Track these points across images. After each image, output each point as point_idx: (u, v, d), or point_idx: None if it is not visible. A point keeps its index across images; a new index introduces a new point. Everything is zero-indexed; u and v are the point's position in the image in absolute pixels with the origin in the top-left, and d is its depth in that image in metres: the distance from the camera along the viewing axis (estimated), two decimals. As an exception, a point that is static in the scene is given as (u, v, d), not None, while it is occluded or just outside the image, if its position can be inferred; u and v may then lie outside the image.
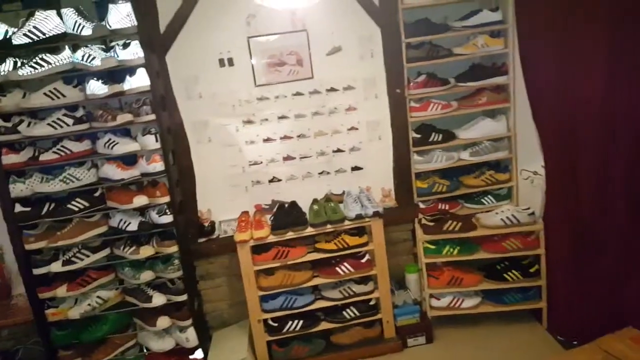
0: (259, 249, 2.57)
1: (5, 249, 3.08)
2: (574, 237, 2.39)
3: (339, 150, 2.93)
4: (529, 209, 2.70)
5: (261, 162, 2.87)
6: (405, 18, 2.71)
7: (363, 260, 2.67)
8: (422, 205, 2.97)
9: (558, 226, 2.54)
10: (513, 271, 2.74)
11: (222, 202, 2.86)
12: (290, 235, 2.57)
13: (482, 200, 2.98)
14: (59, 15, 2.31)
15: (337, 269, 2.65)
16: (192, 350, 2.68)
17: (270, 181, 2.91)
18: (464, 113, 2.88)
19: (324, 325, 2.70)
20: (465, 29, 2.74)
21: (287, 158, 2.89)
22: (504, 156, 2.90)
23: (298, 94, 2.81)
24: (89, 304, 2.52)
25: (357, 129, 2.91)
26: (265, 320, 2.65)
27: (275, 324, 2.65)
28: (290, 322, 2.65)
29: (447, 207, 2.97)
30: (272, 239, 2.56)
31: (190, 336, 2.60)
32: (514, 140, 2.86)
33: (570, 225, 2.41)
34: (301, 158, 2.91)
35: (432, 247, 2.80)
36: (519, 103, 2.74)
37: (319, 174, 2.95)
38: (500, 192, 2.98)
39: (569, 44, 2.10)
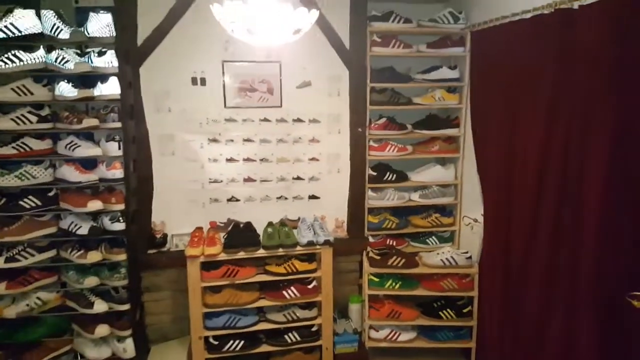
0: (208, 266, 2.61)
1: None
2: (504, 283, 2.57)
3: (298, 178, 3.05)
4: (467, 252, 2.90)
5: (222, 181, 2.95)
6: (372, 64, 2.93)
7: (310, 287, 2.76)
8: (371, 239, 3.12)
9: (491, 271, 2.73)
10: (448, 310, 2.91)
11: (177, 215, 2.90)
12: (241, 254, 2.64)
13: (427, 240, 3.18)
14: (38, 15, 2.35)
15: (284, 292, 2.72)
16: (128, 362, 2.64)
17: (229, 200, 2.98)
18: (418, 157, 3.11)
19: (265, 348, 2.75)
20: (425, 81, 2.99)
21: (248, 180, 2.99)
22: (450, 202, 3.13)
23: (265, 120, 2.94)
24: (27, 304, 2.46)
25: (318, 160, 3.05)
26: (206, 338, 2.66)
27: (216, 342, 2.67)
28: (231, 342, 2.68)
29: (394, 243, 3.13)
30: (223, 256, 2.61)
31: (128, 347, 2.58)
32: (460, 188, 3.10)
33: (502, 272, 2.59)
34: (261, 181, 3.01)
35: (376, 279, 2.93)
36: (467, 154, 2.99)
37: (277, 198, 3.05)
38: (444, 235, 3.19)
39: (513, 107, 2.34)
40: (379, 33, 2.87)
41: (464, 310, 2.89)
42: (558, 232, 2.08)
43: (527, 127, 2.22)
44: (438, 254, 2.92)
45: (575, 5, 1.81)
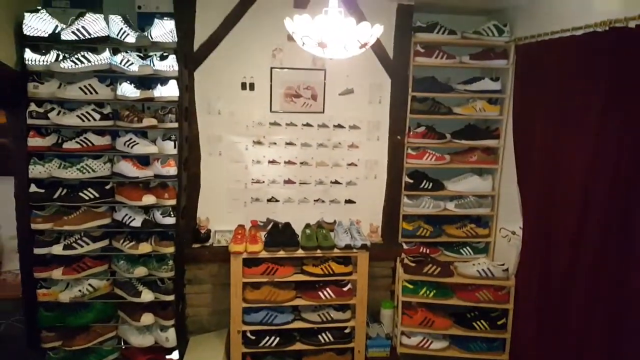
0: (250, 263, 2.71)
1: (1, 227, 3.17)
2: (542, 298, 2.57)
3: (336, 182, 3.13)
4: (503, 264, 2.90)
5: (263, 182, 3.06)
6: (414, 73, 2.99)
7: (345, 289, 2.82)
8: (405, 246, 3.16)
9: (528, 286, 2.73)
10: (482, 321, 2.92)
11: (221, 213, 3.02)
12: (281, 253, 2.73)
13: (461, 250, 3.20)
14: (106, 19, 2.52)
15: (320, 293, 2.80)
16: (170, 351, 2.76)
17: (269, 200, 3.09)
18: (455, 167, 3.14)
19: (299, 346, 2.82)
20: (466, 92, 3.03)
21: (288, 182, 3.09)
22: (486, 213, 3.15)
23: (308, 125, 3.04)
24: (79, 290, 2.62)
25: (356, 165, 3.13)
26: (244, 332, 2.76)
27: (253, 337, 2.76)
28: (267, 338, 2.77)
29: (428, 251, 3.17)
30: (264, 254, 2.71)
31: (170, 336, 2.70)
32: (497, 199, 3.11)
33: (539, 287, 2.59)
34: (300, 184, 3.10)
35: (411, 286, 2.97)
36: (506, 166, 3.01)
37: (315, 201, 3.14)
38: (478, 246, 3.20)
39: (559, 121, 2.36)
40: (423, 44, 2.94)
41: (498, 322, 2.90)
42: (604, 253, 2.06)
43: (574, 142, 2.23)
44: (474, 264, 2.93)
45: (632, 25, 1.83)
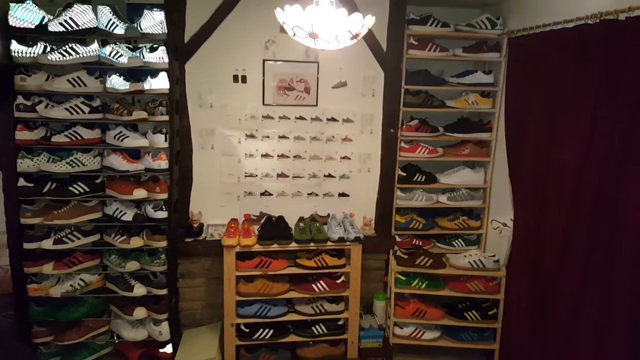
0: (243, 256, 2.71)
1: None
2: (532, 289, 2.60)
3: (330, 176, 3.13)
4: (494, 256, 2.93)
5: (256, 175, 3.05)
6: (407, 66, 2.98)
7: (338, 281, 2.84)
8: (398, 239, 3.18)
9: (519, 277, 2.76)
10: (473, 311, 2.96)
11: (213, 207, 3.01)
12: (275, 247, 2.73)
13: (453, 242, 3.23)
14: (94, 10, 2.48)
15: (313, 285, 2.81)
16: (163, 344, 2.76)
17: (262, 194, 3.08)
18: (448, 160, 3.15)
19: (293, 338, 2.84)
20: (459, 85, 3.04)
21: (281, 175, 3.08)
22: (478, 205, 3.17)
23: (301, 118, 3.02)
24: (71, 285, 2.60)
25: (349, 158, 3.12)
26: (238, 325, 2.77)
27: (247, 330, 2.77)
28: (261, 330, 2.78)
29: (420, 244, 3.19)
30: (257, 248, 2.71)
31: (163, 330, 2.69)
32: (489, 192, 3.14)
33: (529, 278, 2.62)
34: (294, 177, 3.09)
35: (403, 278, 2.99)
36: (498, 159, 3.03)
37: (308, 194, 3.13)
38: (470, 237, 3.23)
39: (550, 113, 2.37)
40: (416, 36, 2.93)
41: (489, 313, 2.94)
42: (593, 245, 2.09)
43: (565, 135, 2.25)
44: (465, 256, 2.96)
45: (622, 17, 1.84)
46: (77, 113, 2.49)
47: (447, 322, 2.98)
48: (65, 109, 2.47)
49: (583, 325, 2.15)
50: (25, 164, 2.46)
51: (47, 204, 2.58)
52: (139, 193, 2.54)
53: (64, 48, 2.43)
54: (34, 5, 2.42)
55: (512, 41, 2.83)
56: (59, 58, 2.41)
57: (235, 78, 2.88)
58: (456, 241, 3.23)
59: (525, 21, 2.65)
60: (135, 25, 2.50)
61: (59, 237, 2.56)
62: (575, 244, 2.19)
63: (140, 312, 2.66)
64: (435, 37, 2.97)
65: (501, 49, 2.95)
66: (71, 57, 2.43)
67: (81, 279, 2.65)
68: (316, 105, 3.01)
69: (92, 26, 2.47)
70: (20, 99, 2.44)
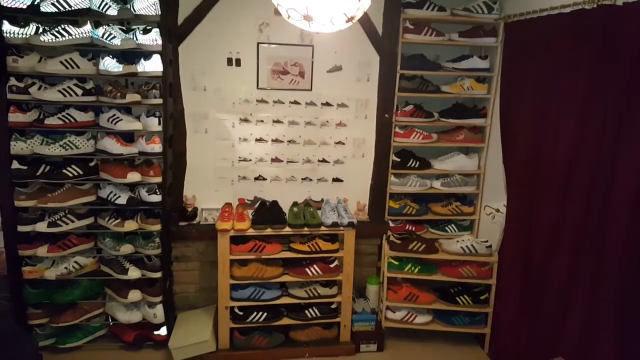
0: (237, 240, 2.72)
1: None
2: (523, 274, 2.63)
3: (324, 161, 3.13)
4: (487, 241, 2.96)
5: (250, 160, 3.05)
6: (403, 51, 2.96)
7: (332, 265, 2.86)
8: (391, 224, 3.20)
9: (510, 262, 2.79)
10: (465, 296, 2.99)
11: (207, 191, 3.01)
12: (269, 231, 2.74)
13: (446, 227, 3.25)
14: (87, -9, 2.45)
15: (307, 269, 2.83)
16: (158, 327, 2.79)
17: (256, 179, 3.08)
18: (442, 146, 3.16)
19: (286, 321, 2.87)
20: (455, 70, 3.02)
21: (275, 160, 3.08)
22: (472, 191, 3.18)
23: (295, 102, 3.01)
24: (65, 267, 2.61)
25: (343, 143, 3.12)
26: (232, 308, 2.79)
27: (241, 313, 2.80)
28: (255, 313, 2.81)
29: (413, 229, 3.21)
30: (251, 232, 2.72)
31: (158, 312, 2.72)
32: (482, 178, 3.15)
33: (521, 263, 2.65)
34: (288, 162, 3.10)
35: (396, 263, 3.02)
36: (492, 145, 3.04)
37: (302, 179, 3.14)
38: (463, 223, 3.25)
39: (545, 100, 2.37)
40: (412, 20, 2.90)
41: (481, 297, 2.97)
42: (584, 230, 2.11)
43: (559, 121, 2.25)
44: (458, 241, 2.98)
45: (620, 2, 1.82)
46: (70, 95, 2.47)
47: (439, 307, 3.02)
48: (59, 91, 2.46)
49: (573, 310, 2.18)
50: (18, 147, 2.45)
51: (41, 186, 2.58)
52: (133, 176, 2.54)
53: (56, 29, 2.41)
54: (24, -16, 2.39)
55: (508, 26, 2.81)
56: (52, 39, 2.39)
57: (229, 61, 2.86)
58: (449, 227, 3.25)
59: (522, 6, 2.63)
60: (128, 6, 2.47)
61: (53, 220, 2.57)
62: (567, 230, 2.21)
63: (135, 295, 2.69)
64: (431, 21, 2.94)
65: (497, 34, 2.93)
66: (64, 38, 2.41)
67: (76, 262, 2.66)
68: (311, 89, 3.00)
69: (84, 7, 2.44)
70: (12, 81, 2.42)
